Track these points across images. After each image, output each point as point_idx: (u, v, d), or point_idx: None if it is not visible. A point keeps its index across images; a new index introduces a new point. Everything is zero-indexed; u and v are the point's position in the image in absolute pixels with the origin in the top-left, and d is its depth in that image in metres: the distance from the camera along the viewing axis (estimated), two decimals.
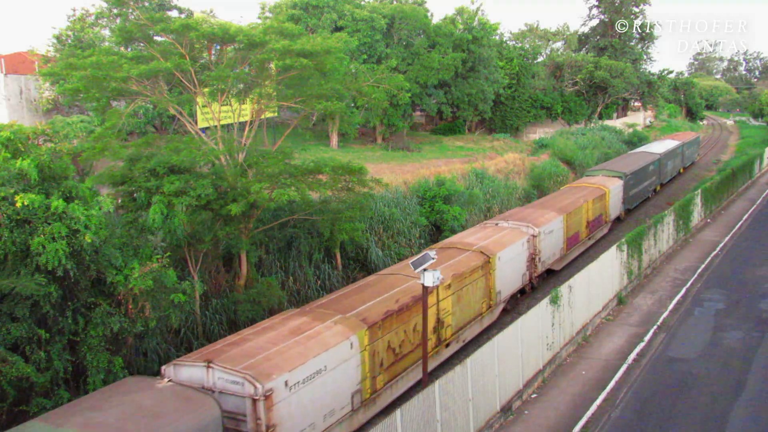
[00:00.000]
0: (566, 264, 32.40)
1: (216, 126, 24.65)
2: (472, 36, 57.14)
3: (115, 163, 22.16)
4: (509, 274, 25.88)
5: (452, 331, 22.03)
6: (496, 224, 28.84)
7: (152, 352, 19.75)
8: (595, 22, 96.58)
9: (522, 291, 28.07)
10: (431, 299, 20.16)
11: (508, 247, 25.77)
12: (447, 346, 21.78)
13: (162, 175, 20.14)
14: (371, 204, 29.81)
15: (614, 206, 39.75)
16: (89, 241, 15.66)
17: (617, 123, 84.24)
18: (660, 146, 56.45)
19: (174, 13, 44.49)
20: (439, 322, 21.18)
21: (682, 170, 62.01)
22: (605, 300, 25.43)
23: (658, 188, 52.61)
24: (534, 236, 28.07)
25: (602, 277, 25.13)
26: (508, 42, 73.89)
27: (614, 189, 39.53)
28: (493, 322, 24.95)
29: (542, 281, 30.17)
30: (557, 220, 30.78)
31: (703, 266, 31.84)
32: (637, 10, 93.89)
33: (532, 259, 28.16)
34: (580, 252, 34.73)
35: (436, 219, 34.91)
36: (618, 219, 41.58)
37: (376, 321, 17.95)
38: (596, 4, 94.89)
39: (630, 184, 42.55)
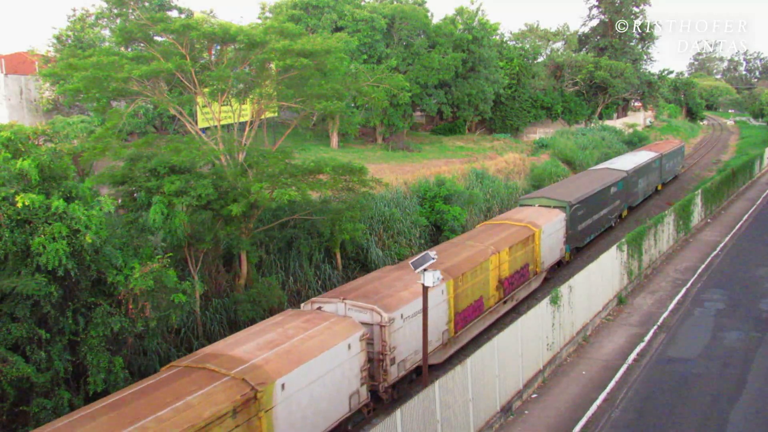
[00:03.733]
0: (460, 347, 22.58)
1: (216, 126, 24.67)
2: (472, 36, 57.17)
3: (115, 163, 22.18)
4: (315, 407, 15.72)
5: None
6: (319, 308, 18.84)
7: (152, 352, 19.76)
8: (595, 22, 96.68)
9: (358, 412, 17.76)
10: None
11: (311, 360, 15.56)
12: None
13: (162, 175, 20.16)
14: (371, 204, 29.83)
15: (550, 249, 29.78)
16: (90, 241, 15.67)
17: (617, 123, 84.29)
18: (629, 161, 46.46)
19: (174, 13, 44.47)
20: None
21: (659, 187, 52.31)
22: (605, 300, 25.43)
23: (625, 213, 42.75)
24: (382, 326, 18.24)
25: (602, 277, 25.13)
26: (508, 42, 73.91)
27: (549, 227, 29.51)
28: None
29: (410, 384, 20.18)
30: (435, 291, 20.29)
31: (703, 266, 31.84)
32: (637, 10, 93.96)
33: (380, 362, 18.41)
34: (489, 324, 24.81)
35: (436, 219, 34.94)
36: (559, 263, 31.92)
37: None
38: (596, 4, 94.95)
39: (577, 215, 32.88)
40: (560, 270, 31.98)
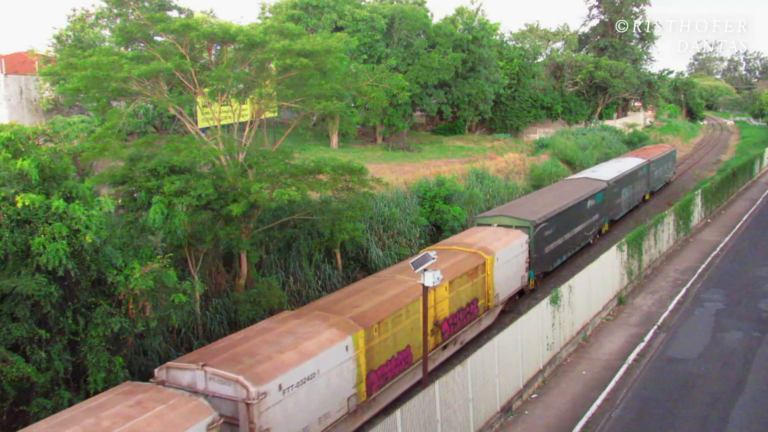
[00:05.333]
0: (380, 410, 18.17)
1: (216, 126, 24.66)
2: (472, 36, 57.16)
3: (115, 163, 22.19)
4: None
5: None
6: (163, 383, 14.60)
7: (153, 352, 19.78)
8: (595, 22, 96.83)
9: None
10: None
11: None
12: None
13: (162, 175, 20.16)
14: (371, 204, 29.82)
15: (507, 279, 25.43)
16: (90, 241, 15.67)
17: (617, 123, 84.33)
18: (612, 168, 42.19)
19: (174, 13, 44.46)
20: None
21: (647, 196, 48.58)
22: (605, 300, 25.43)
23: (606, 228, 38.27)
24: (248, 404, 13.90)
25: (602, 277, 25.13)
26: (508, 42, 73.93)
27: (506, 252, 25.20)
28: None
29: None
30: (335, 348, 16.31)
31: (703, 266, 31.83)
32: (637, 10, 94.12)
33: None
34: (417, 380, 19.46)
35: (436, 219, 34.96)
36: (521, 293, 27.60)
37: None
38: (596, 4, 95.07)
39: (544, 236, 28.45)
40: (522, 301, 27.52)
